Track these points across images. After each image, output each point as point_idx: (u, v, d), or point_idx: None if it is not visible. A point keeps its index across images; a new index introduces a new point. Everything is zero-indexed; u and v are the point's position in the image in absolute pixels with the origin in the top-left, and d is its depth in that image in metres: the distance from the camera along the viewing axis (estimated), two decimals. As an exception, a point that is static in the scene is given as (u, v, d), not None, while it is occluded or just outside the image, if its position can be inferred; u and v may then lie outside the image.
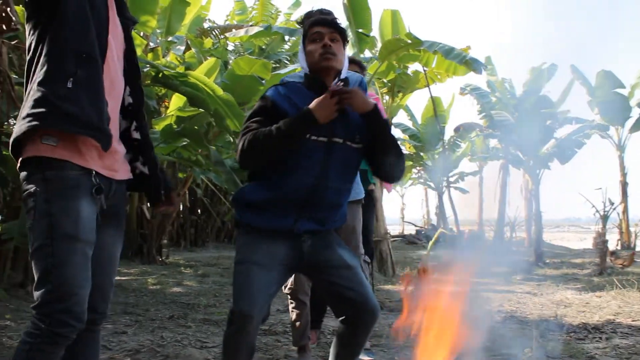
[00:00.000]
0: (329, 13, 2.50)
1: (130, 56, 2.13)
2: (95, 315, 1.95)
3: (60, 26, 1.85)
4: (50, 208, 1.79)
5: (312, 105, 2.21)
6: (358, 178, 3.48)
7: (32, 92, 1.83)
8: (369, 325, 2.39)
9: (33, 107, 1.80)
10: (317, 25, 2.40)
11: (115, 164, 1.98)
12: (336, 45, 2.36)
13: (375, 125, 2.32)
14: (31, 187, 1.82)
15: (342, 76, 2.40)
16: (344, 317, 2.38)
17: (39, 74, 1.83)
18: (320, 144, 2.27)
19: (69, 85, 1.82)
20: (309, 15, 2.49)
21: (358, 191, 3.45)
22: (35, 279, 1.80)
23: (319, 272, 2.38)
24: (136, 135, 2.11)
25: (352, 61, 3.95)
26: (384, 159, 2.37)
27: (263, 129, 2.22)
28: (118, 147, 2.01)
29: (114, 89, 2.00)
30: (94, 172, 1.88)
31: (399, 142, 2.46)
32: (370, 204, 3.98)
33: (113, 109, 1.98)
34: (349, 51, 7.34)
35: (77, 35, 1.86)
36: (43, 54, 1.85)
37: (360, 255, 3.48)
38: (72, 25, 1.86)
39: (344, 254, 2.39)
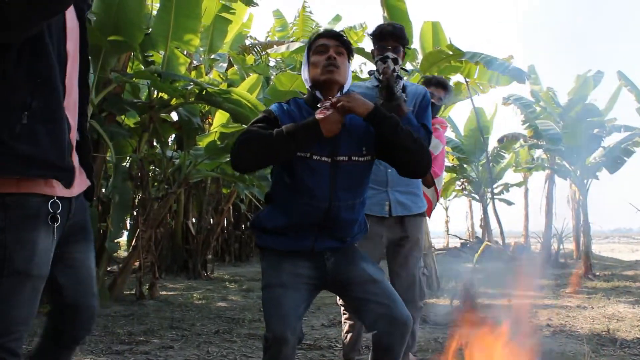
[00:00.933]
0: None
1: (83, 51, 1.89)
2: (83, 332, 1.94)
3: (9, 49, 1.60)
4: (5, 239, 1.62)
5: (318, 116, 2.16)
6: (420, 192, 3.46)
7: None
8: (403, 337, 2.37)
9: None
10: (323, 37, 2.38)
11: (71, 186, 1.79)
12: (341, 59, 2.34)
13: (381, 126, 2.25)
14: None
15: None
16: (376, 331, 2.33)
17: None
18: (325, 164, 2.24)
19: (24, 120, 1.60)
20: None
21: (421, 205, 3.43)
22: None
23: (345, 289, 2.37)
24: (76, 136, 1.87)
25: (437, 83, 3.96)
26: (402, 156, 2.31)
27: (264, 130, 2.19)
28: (76, 160, 1.83)
29: (72, 95, 1.81)
30: (54, 198, 1.72)
31: (419, 136, 2.40)
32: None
33: (72, 121, 1.79)
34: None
35: (30, 58, 1.63)
36: None
37: (420, 267, 3.45)
38: (24, 47, 1.62)
39: (368, 267, 2.35)
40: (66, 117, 1.73)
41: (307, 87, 2.41)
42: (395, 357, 2.35)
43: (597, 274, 11.15)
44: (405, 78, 8.71)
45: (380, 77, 3.22)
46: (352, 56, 2.46)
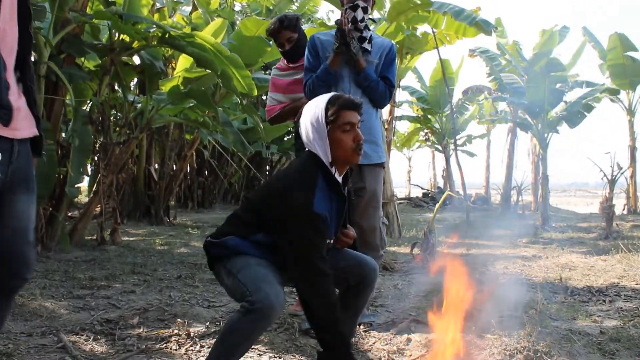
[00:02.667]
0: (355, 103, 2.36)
1: (22, 22, 1.84)
2: (19, 281, 1.89)
3: None
4: None
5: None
6: (380, 142, 3.47)
7: None
8: (372, 285, 2.45)
9: None
10: (348, 110, 2.30)
11: (17, 122, 1.75)
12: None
13: None
14: None
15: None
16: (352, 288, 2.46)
17: None
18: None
19: None
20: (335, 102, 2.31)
21: (380, 154, 3.44)
22: None
23: None
24: (16, 82, 1.83)
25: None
26: None
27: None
28: (19, 102, 1.79)
29: (6, 40, 1.75)
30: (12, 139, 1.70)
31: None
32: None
33: (7, 61, 1.75)
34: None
35: None
36: None
37: (379, 217, 3.49)
38: None
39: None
40: (1, 57, 1.69)
41: (324, 160, 2.29)
42: (361, 305, 2.53)
43: (553, 225, 11.47)
44: (372, 27, 8.63)
45: (342, 27, 3.22)
46: None
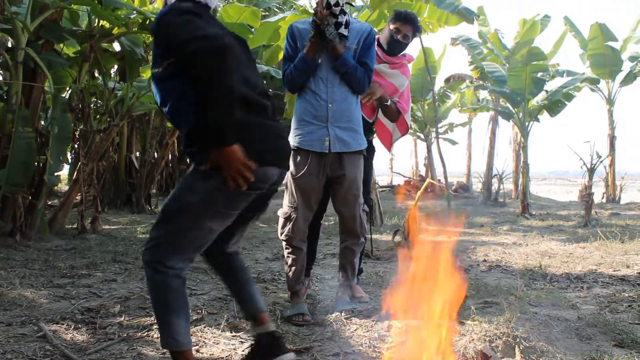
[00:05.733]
0: None
1: None
2: None
3: None
4: None
5: None
6: (361, 129, 3.47)
7: None
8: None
9: None
10: None
11: None
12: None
13: None
14: None
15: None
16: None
17: None
18: None
19: None
20: None
21: (360, 142, 3.44)
22: None
23: None
24: None
25: (406, 19, 3.88)
26: None
27: None
28: None
29: None
30: None
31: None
32: (371, 154, 4.00)
33: None
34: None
35: None
36: None
37: (360, 204, 3.50)
38: None
39: None
40: None
41: None
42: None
43: (533, 213, 11.59)
44: (355, 14, 8.59)
45: (317, 15, 3.24)
46: None
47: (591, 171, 9.57)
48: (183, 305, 2.20)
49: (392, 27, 3.84)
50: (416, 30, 3.88)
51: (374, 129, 3.99)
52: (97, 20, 6.49)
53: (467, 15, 7.30)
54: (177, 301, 2.17)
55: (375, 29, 9.71)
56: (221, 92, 2.00)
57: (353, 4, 7.97)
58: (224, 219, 2.25)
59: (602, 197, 15.91)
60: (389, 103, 3.84)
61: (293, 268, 3.49)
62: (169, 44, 2.10)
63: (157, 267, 2.16)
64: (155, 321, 2.21)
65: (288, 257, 3.51)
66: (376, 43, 3.85)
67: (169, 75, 2.16)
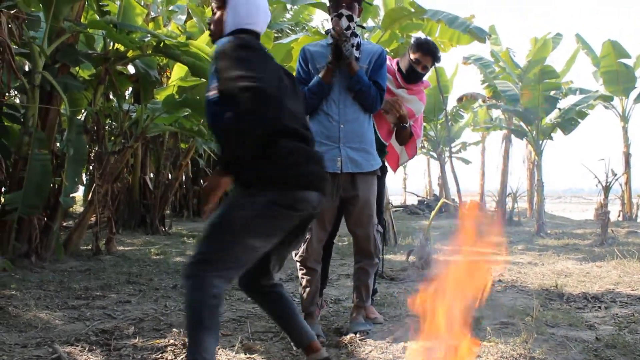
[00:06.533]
0: None
1: None
2: None
3: None
4: None
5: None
6: (373, 149, 3.48)
7: None
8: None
9: None
10: None
11: None
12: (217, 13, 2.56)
13: None
14: None
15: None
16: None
17: None
18: None
19: None
20: None
21: (373, 162, 3.45)
22: None
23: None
24: None
25: (427, 51, 3.93)
26: None
27: None
28: None
29: None
30: None
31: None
32: (384, 174, 4.01)
33: None
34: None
35: None
36: None
37: (374, 225, 3.50)
38: None
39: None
40: None
41: None
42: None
43: (549, 232, 11.50)
44: (367, 35, 8.64)
45: (336, 39, 3.31)
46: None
47: (607, 189, 9.49)
48: (215, 326, 2.24)
49: (412, 56, 3.89)
50: (435, 60, 3.94)
51: (387, 151, 4.00)
52: (112, 44, 6.58)
53: (478, 35, 7.32)
54: (211, 320, 2.21)
55: (387, 49, 9.80)
56: (244, 130, 2.17)
57: (364, 25, 8.03)
58: (267, 238, 2.33)
59: (619, 215, 15.74)
60: (408, 124, 3.86)
61: (307, 289, 3.48)
62: (220, 75, 2.28)
63: (197, 282, 2.21)
64: (186, 337, 2.26)
65: (302, 278, 3.50)
66: (397, 68, 3.92)
67: (219, 100, 2.30)
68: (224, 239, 2.26)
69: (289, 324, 2.56)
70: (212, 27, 2.47)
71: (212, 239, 2.30)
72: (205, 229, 2.33)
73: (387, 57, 4.10)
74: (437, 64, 4.15)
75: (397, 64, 3.99)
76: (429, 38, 4.20)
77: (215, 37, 2.49)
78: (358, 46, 3.39)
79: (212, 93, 2.32)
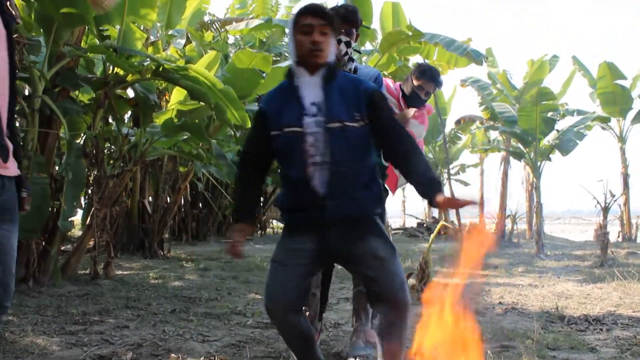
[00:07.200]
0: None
1: (11, 56, 2.09)
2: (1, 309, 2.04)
3: None
4: None
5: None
6: None
7: None
8: (401, 316, 2.44)
9: None
10: (307, 14, 2.40)
11: (9, 161, 2.02)
12: (325, 39, 2.38)
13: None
14: None
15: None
16: (378, 309, 2.55)
17: None
18: (298, 134, 2.39)
19: None
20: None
21: None
22: None
23: (348, 262, 2.49)
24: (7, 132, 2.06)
25: (431, 78, 4.00)
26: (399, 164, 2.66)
27: (239, 180, 2.60)
28: (10, 144, 2.03)
29: (3, 89, 2.00)
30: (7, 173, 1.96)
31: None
32: (384, 197, 4.01)
33: (2, 108, 1.99)
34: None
35: None
36: None
37: None
38: None
39: (376, 243, 2.42)
40: None
41: (292, 60, 2.48)
42: (396, 334, 2.47)
43: (548, 253, 11.46)
44: (365, 58, 8.70)
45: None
46: (335, 30, 2.52)
47: (606, 210, 9.49)
48: None
49: (415, 83, 3.94)
50: (437, 86, 4.01)
51: (387, 173, 4.01)
52: (111, 68, 6.62)
53: (475, 57, 7.38)
54: None
55: (385, 72, 9.88)
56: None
57: (360, 50, 8.09)
58: None
59: (618, 236, 15.72)
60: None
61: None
62: (383, 112, 2.50)
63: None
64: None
65: (301, 301, 3.48)
66: (401, 93, 3.97)
67: (364, 131, 2.49)
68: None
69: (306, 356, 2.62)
70: (323, 46, 2.40)
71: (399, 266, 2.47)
72: (387, 256, 2.42)
73: (390, 80, 4.17)
74: (438, 89, 4.20)
75: (401, 88, 4.04)
76: (431, 65, 4.26)
77: (324, 59, 2.43)
78: (355, 71, 3.41)
79: (358, 124, 2.39)
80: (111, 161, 8.51)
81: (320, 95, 2.41)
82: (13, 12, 2.12)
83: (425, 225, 19.67)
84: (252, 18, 10.65)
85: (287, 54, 12.54)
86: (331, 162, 2.34)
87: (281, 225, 12.12)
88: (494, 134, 18.16)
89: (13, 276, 2.06)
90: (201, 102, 6.84)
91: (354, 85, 2.47)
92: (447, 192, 2.28)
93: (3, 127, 1.97)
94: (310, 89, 2.42)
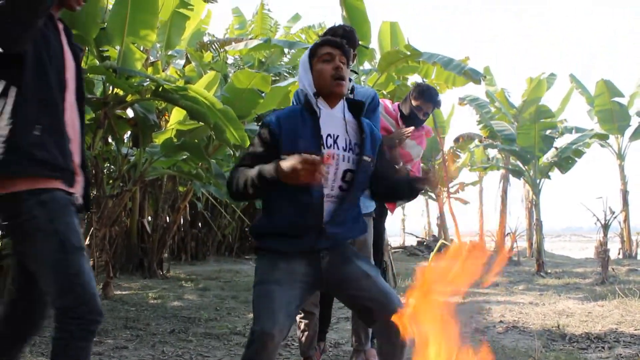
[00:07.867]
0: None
1: (79, 84, 2.27)
2: (37, 328, 2.37)
3: (21, 75, 2.00)
4: (56, 227, 2.01)
5: (284, 165, 2.12)
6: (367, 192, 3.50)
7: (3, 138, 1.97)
8: (400, 337, 2.40)
9: (7, 152, 1.96)
10: (328, 45, 2.44)
11: (79, 189, 2.24)
12: (345, 69, 2.42)
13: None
14: (28, 212, 2.00)
15: (350, 87, 2.53)
16: (377, 329, 2.44)
17: (6, 122, 1.98)
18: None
19: (37, 132, 2.01)
20: (326, 32, 2.55)
21: (368, 205, 3.46)
22: (55, 290, 2.02)
23: (340, 287, 2.42)
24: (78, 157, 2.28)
25: (429, 99, 4.04)
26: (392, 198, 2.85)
27: (243, 171, 2.28)
28: (80, 175, 2.24)
29: (73, 120, 2.21)
30: (75, 195, 2.18)
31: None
32: (383, 216, 4.02)
33: (74, 140, 2.19)
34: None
35: (37, 83, 2.04)
36: (7, 103, 1.99)
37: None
38: (32, 73, 2.02)
39: (361, 264, 2.42)
40: (66, 132, 2.14)
41: (308, 92, 2.42)
42: (396, 350, 2.40)
43: (549, 271, 11.43)
44: (363, 77, 8.73)
45: None
46: (351, 63, 2.55)
47: (605, 227, 9.48)
48: None
49: (414, 103, 3.97)
50: (436, 106, 4.04)
51: None
52: (111, 88, 6.65)
53: (473, 76, 7.41)
54: None
55: (384, 91, 9.92)
56: None
57: (358, 70, 8.14)
58: None
59: (618, 253, 15.70)
60: (399, 166, 3.90)
61: (306, 333, 3.45)
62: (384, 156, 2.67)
63: None
64: None
65: (300, 322, 3.47)
66: (399, 113, 3.99)
67: (368, 167, 2.52)
68: None
69: None
70: (344, 74, 2.43)
71: None
72: (374, 273, 2.44)
73: (388, 100, 4.19)
74: (436, 108, 4.23)
75: (400, 109, 4.06)
76: (430, 85, 4.30)
77: (345, 88, 2.45)
78: (352, 91, 3.43)
79: (370, 160, 2.47)
80: (110, 181, 8.52)
81: (340, 128, 2.43)
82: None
83: (425, 243, 19.64)
84: (251, 38, 10.74)
85: (285, 74, 12.62)
86: (345, 192, 2.39)
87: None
88: (492, 152, 18.22)
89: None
90: (200, 122, 6.86)
91: (369, 125, 2.55)
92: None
93: (71, 149, 2.16)
94: (329, 120, 2.42)
